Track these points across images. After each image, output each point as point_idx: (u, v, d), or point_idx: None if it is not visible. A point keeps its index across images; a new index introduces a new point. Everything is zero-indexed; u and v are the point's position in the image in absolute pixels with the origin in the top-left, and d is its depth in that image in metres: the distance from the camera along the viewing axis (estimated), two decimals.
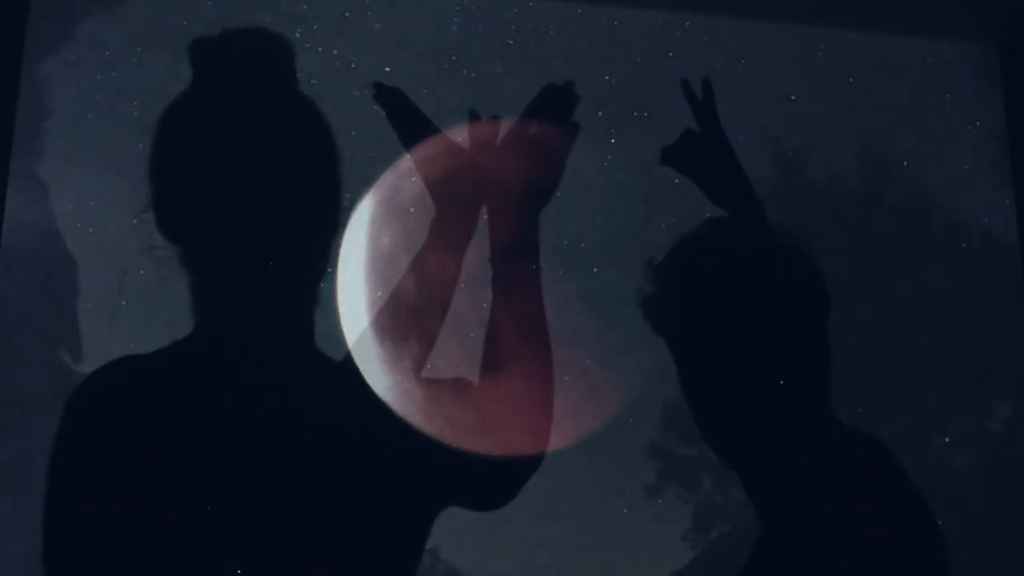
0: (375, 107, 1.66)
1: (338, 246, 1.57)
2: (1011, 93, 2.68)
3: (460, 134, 1.68)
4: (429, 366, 1.56)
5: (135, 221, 1.49)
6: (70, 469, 1.36)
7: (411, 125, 1.65)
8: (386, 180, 1.67)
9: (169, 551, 1.33)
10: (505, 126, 1.68)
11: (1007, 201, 2.74)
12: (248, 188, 1.47)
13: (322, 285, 1.54)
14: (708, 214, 1.78)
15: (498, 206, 1.60)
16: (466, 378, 1.58)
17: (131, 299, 1.57)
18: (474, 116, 1.68)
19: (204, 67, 1.53)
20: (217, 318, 1.48)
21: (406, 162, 1.66)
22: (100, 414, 1.37)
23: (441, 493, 1.51)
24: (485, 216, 1.63)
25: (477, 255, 1.65)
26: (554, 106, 1.66)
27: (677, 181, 1.77)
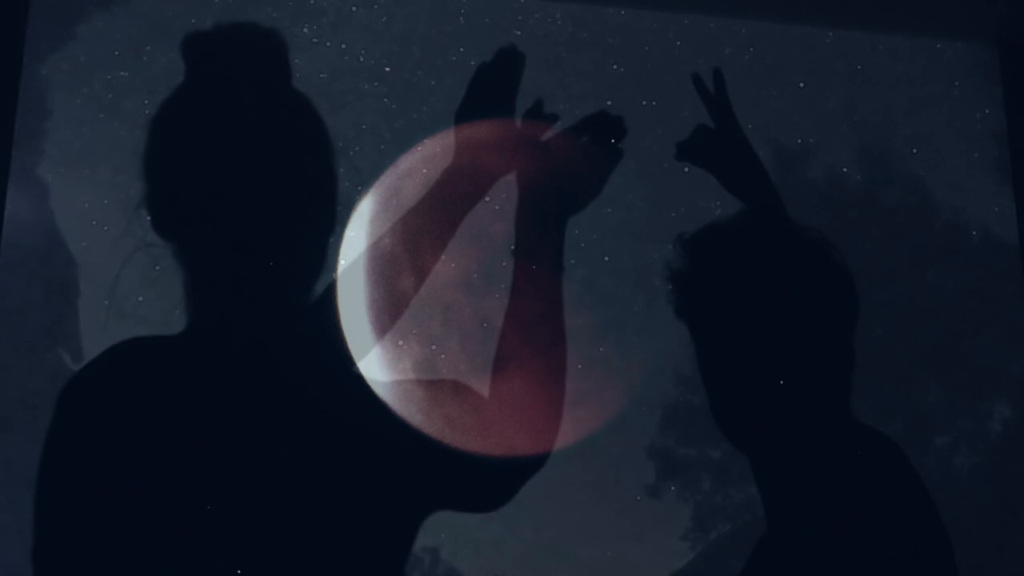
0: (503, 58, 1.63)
1: (337, 245, 1.57)
2: (1011, 93, 2.67)
3: (464, 132, 1.67)
4: (401, 343, 1.56)
5: (106, 228, 1.49)
6: (64, 460, 1.35)
7: (493, 98, 1.64)
8: (386, 180, 1.67)
9: (162, 546, 1.32)
10: (524, 128, 1.68)
11: (1007, 201, 2.74)
12: (242, 185, 1.47)
13: (319, 283, 1.53)
14: (717, 202, 1.78)
15: (514, 205, 1.60)
16: (463, 382, 1.58)
17: (127, 297, 1.57)
18: (537, 107, 1.67)
19: (197, 63, 1.53)
20: (212, 315, 1.47)
21: (405, 163, 1.66)
22: (92, 408, 1.37)
23: (437, 493, 1.51)
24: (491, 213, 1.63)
25: (478, 255, 1.64)
26: (604, 128, 1.66)
27: (687, 170, 1.77)
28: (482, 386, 1.57)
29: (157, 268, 1.50)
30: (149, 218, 1.48)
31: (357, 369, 1.50)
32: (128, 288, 1.54)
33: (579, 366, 1.60)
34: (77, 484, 1.33)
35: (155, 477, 1.32)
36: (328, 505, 1.39)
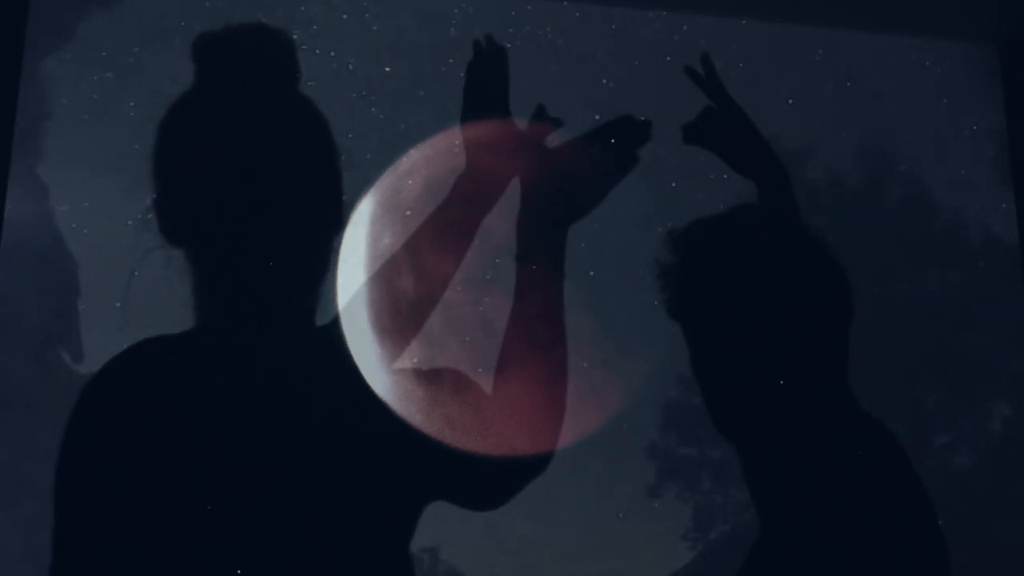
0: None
1: (338, 245, 1.57)
2: (1011, 93, 2.67)
3: (466, 133, 1.67)
4: (415, 359, 1.56)
5: (130, 223, 1.49)
6: (84, 460, 1.36)
7: (485, 96, 1.64)
8: (386, 180, 1.67)
9: (166, 544, 1.33)
10: (528, 130, 1.68)
11: (1007, 201, 2.74)
12: (249, 187, 1.47)
13: (326, 282, 1.53)
14: (714, 175, 1.78)
15: (516, 207, 1.60)
16: (464, 373, 1.57)
17: (140, 297, 1.57)
18: (541, 109, 1.67)
19: (207, 65, 1.53)
20: (220, 317, 1.48)
21: (406, 162, 1.66)
22: (111, 408, 1.38)
23: (436, 492, 1.51)
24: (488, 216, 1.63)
25: (477, 255, 1.65)
26: (626, 132, 1.66)
27: (676, 182, 1.78)
28: (484, 385, 1.57)
29: (161, 275, 1.50)
30: (158, 224, 1.48)
31: (359, 368, 1.50)
32: (141, 289, 1.54)
33: (584, 364, 1.60)
34: (96, 482, 1.34)
35: (166, 475, 1.33)
36: (329, 503, 1.39)
